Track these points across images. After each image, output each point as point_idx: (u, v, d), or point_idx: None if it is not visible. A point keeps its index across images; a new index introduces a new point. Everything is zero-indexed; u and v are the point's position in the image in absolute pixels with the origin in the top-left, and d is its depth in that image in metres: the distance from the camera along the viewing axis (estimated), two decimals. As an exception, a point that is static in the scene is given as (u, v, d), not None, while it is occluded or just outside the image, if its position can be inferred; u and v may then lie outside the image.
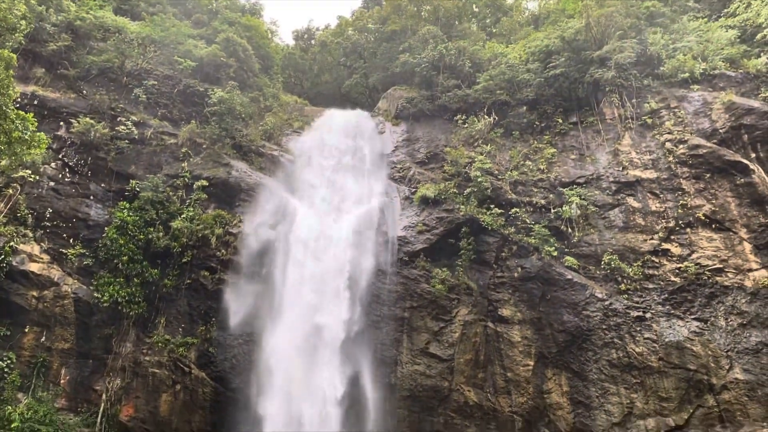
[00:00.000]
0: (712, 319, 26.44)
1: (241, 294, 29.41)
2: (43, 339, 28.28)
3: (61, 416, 27.61)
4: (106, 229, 30.04)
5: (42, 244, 29.06)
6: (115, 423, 28.15)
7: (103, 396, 28.27)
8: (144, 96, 34.38)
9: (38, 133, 22.83)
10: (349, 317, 28.66)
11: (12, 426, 25.84)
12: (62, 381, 28.21)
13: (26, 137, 22.23)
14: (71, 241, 29.80)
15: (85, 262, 29.55)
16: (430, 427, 27.86)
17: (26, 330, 28.15)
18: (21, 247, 28.33)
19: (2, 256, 27.63)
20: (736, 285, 26.58)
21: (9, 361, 26.87)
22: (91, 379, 28.68)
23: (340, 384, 27.55)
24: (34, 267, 28.46)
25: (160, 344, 28.77)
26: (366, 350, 28.79)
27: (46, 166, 29.86)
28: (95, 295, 28.92)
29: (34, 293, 28.22)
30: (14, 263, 27.95)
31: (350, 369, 28.15)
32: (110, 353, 28.93)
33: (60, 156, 30.98)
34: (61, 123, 31.75)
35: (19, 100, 29.20)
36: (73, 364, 28.51)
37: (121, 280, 29.37)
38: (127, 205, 30.59)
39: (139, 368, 28.56)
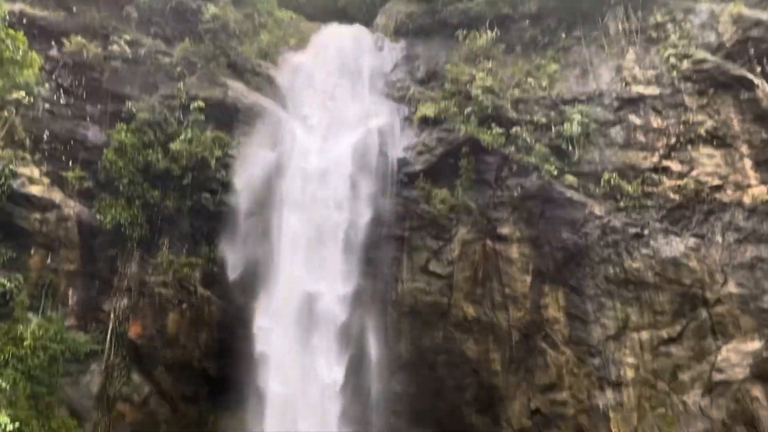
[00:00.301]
0: (709, 235, 26.80)
1: (240, 215, 29.46)
2: (48, 261, 28.65)
3: (72, 334, 28.42)
4: (104, 151, 29.77)
5: (41, 167, 28.95)
6: (124, 341, 28.98)
7: (111, 315, 28.94)
8: (135, 13, 33.31)
9: (30, 53, 22.34)
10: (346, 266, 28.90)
11: (25, 344, 26.65)
12: (70, 301, 28.84)
13: (18, 57, 21.77)
14: (70, 163, 29.65)
15: (85, 185, 29.52)
16: (431, 341, 28.74)
17: (32, 252, 28.46)
18: (20, 170, 28.22)
19: (2, 180, 27.61)
20: (735, 201, 26.77)
21: (17, 282, 27.34)
22: (99, 299, 29.28)
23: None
24: (34, 190, 28.47)
25: (164, 265, 29.20)
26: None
27: (39, 87, 29.34)
28: (98, 217, 29.08)
29: (37, 216, 28.36)
30: (15, 186, 27.93)
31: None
32: (116, 274, 29.39)
33: (53, 77, 30.33)
34: (53, 43, 30.92)
35: (7, 18, 28.34)
36: (80, 284, 29.00)
37: (123, 202, 29.45)
38: (125, 127, 30.21)
39: (145, 288, 29.11)
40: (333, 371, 27.69)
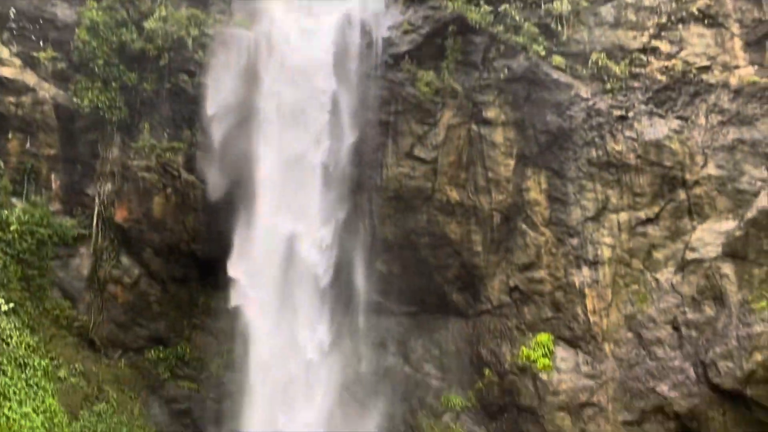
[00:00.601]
0: (693, 117, 26.82)
1: (215, 139, 28.49)
2: (28, 145, 28.45)
3: (58, 219, 28.74)
4: (76, 30, 28.63)
5: (10, 47, 28.00)
6: (111, 225, 29.35)
7: (96, 200, 29.14)
8: None
9: None
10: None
11: (11, 228, 26.93)
12: (53, 186, 28.90)
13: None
14: (41, 44, 28.64)
15: (59, 66, 28.66)
16: (414, 224, 29.20)
17: (9, 137, 28.21)
18: (-11, 50, 27.35)
19: (-29, 60, 26.73)
20: (721, 83, 26.59)
21: (-2, 167, 27.28)
22: (82, 183, 29.35)
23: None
24: (6, 72, 27.78)
25: (146, 149, 28.92)
26: None
27: (-1, -40, 27.75)
28: (74, 100, 28.48)
29: (12, 99, 27.81)
30: (-16, 68, 27.21)
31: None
32: (97, 158, 29.29)
33: (12, -51, 28.67)
34: None
35: None
36: (61, 169, 28.95)
37: (99, 84, 28.69)
38: (95, 5, 28.86)
39: (128, 173, 29.05)
40: (317, 332, 27.66)
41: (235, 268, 27.98)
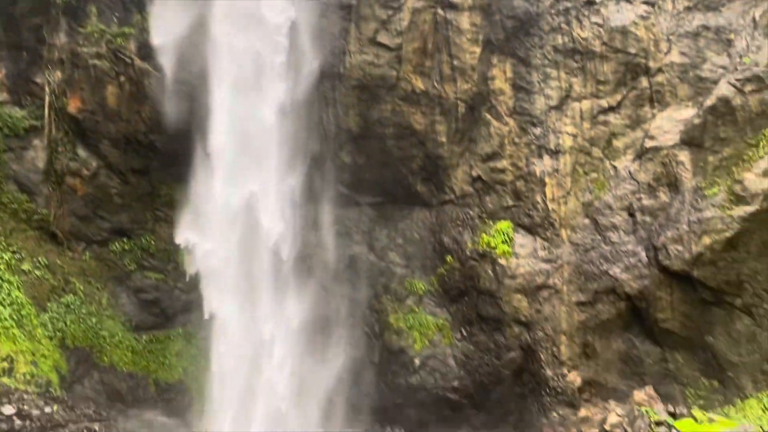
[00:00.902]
0: (660, 2, 26.48)
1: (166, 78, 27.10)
2: (-35, 30, 26.82)
3: (6, 110, 27.70)
4: None
5: None
6: (64, 115, 28.35)
7: (46, 89, 27.95)
8: None
9: None
10: None
11: (-43, 119, 25.92)
12: (-1, 75, 27.63)
13: None
14: None
15: (-8, -60, 26.61)
16: (378, 114, 28.85)
17: (-55, 21, 26.50)
18: None
19: None
20: (691, -34, 26.19)
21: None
22: (29, 71, 27.99)
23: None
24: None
25: (95, 35, 27.53)
26: None
27: None
28: (12, -18, 26.70)
29: (-58, -21, 25.83)
30: None
31: None
32: (44, 44, 27.80)
33: None
34: None
35: None
36: (6, 56, 27.55)
37: (37, -38, 26.85)
38: None
39: (78, 60, 27.73)
40: (288, 306, 26.70)
41: (187, 232, 26.93)
